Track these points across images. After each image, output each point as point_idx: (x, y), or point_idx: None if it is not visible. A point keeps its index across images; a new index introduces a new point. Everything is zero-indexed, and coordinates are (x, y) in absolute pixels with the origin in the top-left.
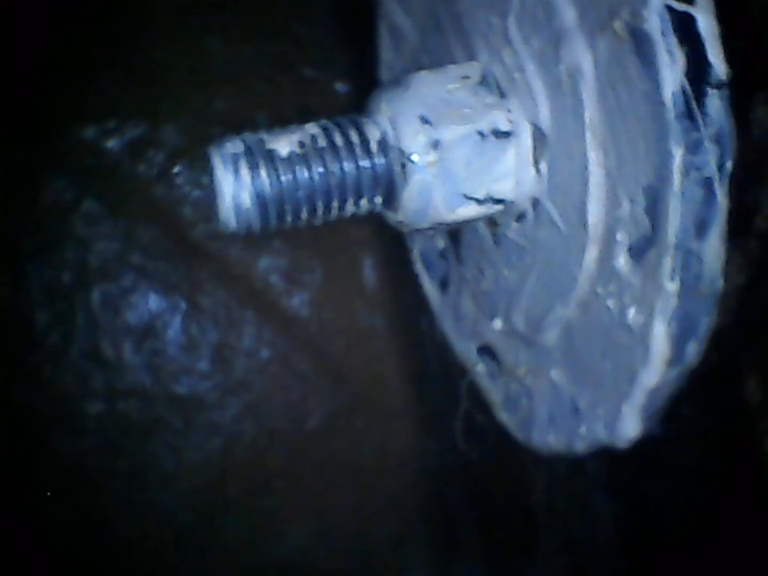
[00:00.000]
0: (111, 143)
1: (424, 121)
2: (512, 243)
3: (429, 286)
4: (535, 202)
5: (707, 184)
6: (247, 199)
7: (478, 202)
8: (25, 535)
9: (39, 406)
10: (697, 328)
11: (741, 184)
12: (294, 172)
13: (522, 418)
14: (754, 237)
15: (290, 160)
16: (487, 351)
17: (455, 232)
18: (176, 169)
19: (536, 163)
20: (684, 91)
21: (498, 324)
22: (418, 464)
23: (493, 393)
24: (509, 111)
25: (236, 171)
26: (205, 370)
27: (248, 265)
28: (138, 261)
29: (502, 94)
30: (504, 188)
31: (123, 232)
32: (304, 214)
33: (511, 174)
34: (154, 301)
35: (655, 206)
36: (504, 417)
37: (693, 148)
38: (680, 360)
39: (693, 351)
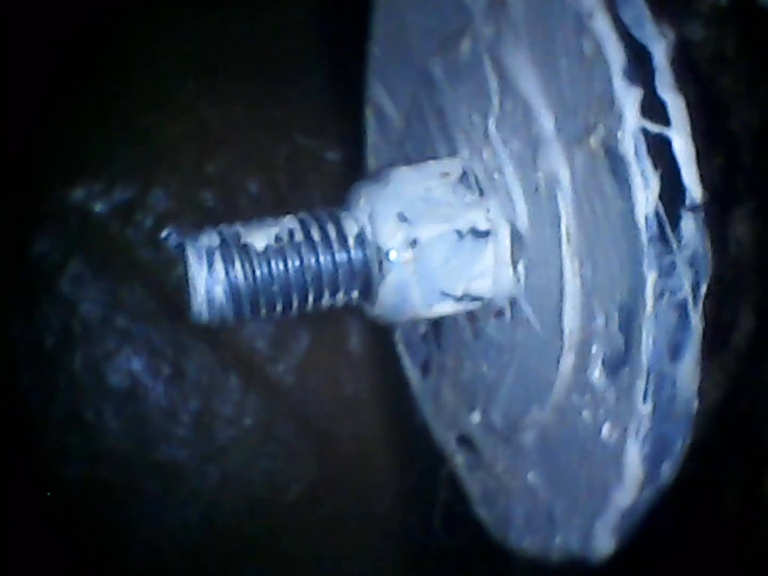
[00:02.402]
0: (99, 205)
1: (402, 218)
2: (491, 339)
3: (410, 369)
4: (513, 302)
5: (681, 307)
6: (220, 294)
7: (456, 299)
8: None
9: (17, 466)
10: (671, 448)
11: (719, 302)
12: (269, 266)
13: (498, 516)
14: (732, 354)
15: (266, 254)
16: (466, 442)
17: (437, 319)
18: (164, 233)
19: (514, 263)
20: (657, 214)
21: (476, 417)
22: (399, 540)
23: (472, 486)
24: (488, 210)
25: (210, 265)
26: (186, 437)
27: (234, 331)
28: (122, 324)
29: (482, 193)
30: (482, 286)
31: (108, 295)
32: (279, 308)
33: (489, 273)
34: (137, 365)
35: (628, 325)
36: (481, 512)
37: (667, 271)
38: (654, 480)
39: (668, 471)
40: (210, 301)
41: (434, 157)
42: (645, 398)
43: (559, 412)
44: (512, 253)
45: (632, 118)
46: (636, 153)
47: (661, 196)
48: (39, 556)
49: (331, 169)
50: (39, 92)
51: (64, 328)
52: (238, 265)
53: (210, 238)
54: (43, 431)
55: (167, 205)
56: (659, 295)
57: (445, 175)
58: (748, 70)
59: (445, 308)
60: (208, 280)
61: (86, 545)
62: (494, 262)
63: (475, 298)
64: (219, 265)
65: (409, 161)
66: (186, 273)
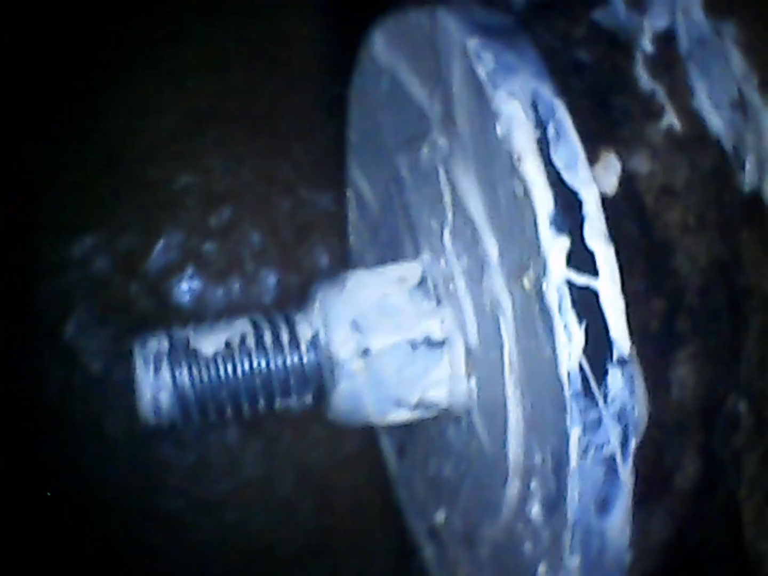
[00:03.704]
0: (102, 257)
1: (355, 326)
2: (451, 443)
3: (387, 450)
4: (468, 413)
5: (608, 462)
6: (167, 399)
7: (411, 408)
8: None
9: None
10: None
11: (660, 446)
12: (218, 371)
13: None
14: (676, 495)
15: (215, 360)
16: (435, 536)
17: None
18: (167, 285)
19: (468, 375)
20: (582, 370)
21: (441, 516)
22: None
23: None
24: (443, 320)
25: (157, 370)
26: (183, 488)
27: None
28: (121, 377)
29: (439, 301)
30: (437, 396)
31: (110, 348)
32: (229, 412)
33: (445, 382)
34: (135, 418)
35: (558, 473)
36: None
37: (591, 426)
38: None
39: None
40: (156, 405)
41: (402, 252)
42: (572, 551)
43: (508, 535)
44: (467, 365)
45: (557, 269)
46: (560, 306)
47: (586, 351)
48: None
49: (336, 223)
50: (42, 142)
51: (65, 380)
52: (185, 370)
53: (159, 343)
54: (42, 478)
55: (171, 257)
56: (584, 451)
57: (403, 281)
58: (698, 203)
59: (401, 416)
60: (154, 385)
61: None
62: (450, 371)
63: (430, 407)
64: (165, 371)
65: (383, 248)
66: (133, 377)
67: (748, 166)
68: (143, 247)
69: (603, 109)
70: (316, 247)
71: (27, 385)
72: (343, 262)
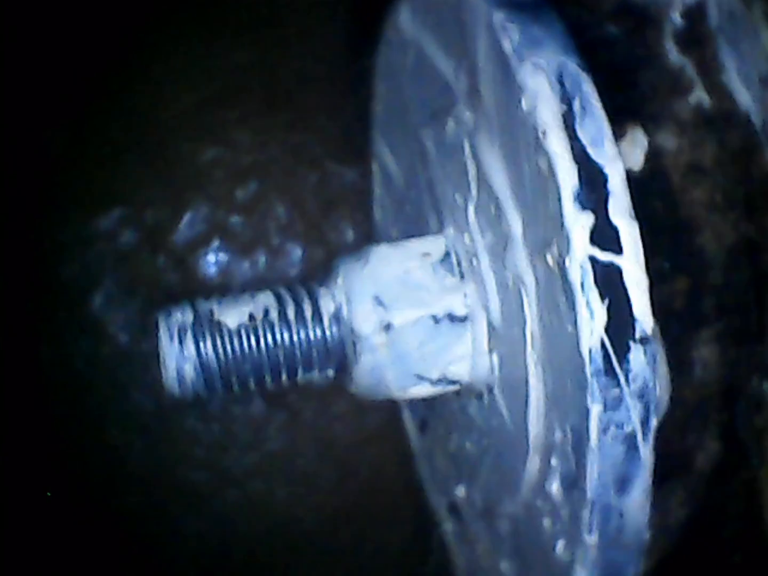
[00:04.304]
0: (130, 230)
1: (378, 301)
2: (472, 419)
3: (409, 425)
4: (490, 389)
5: (629, 440)
6: (191, 371)
7: (432, 382)
8: None
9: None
10: (622, 574)
11: (681, 426)
12: (241, 344)
13: None
14: (696, 475)
15: (238, 332)
16: (455, 511)
17: None
18: (193, 258)
19: (490, 351)
20: (603, 347)
21: (462, 491)
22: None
23: (458, 557)
24: (466, 296)
25: (181, 342)
26: (206, 460)
27: None
28: (147, 350)
29: (462, 276)
30: (459, 371)
31: (137, 320)
32: (252, 385)
33: (467, 358)
34: (161, 391)
35: (578, 450)
36: None
37: (612, 405)
38: None
39: None
40: (180, 377)
41: (426, 227)
42: (590, 529)
43: (527, 511)
44: (489, 341)
45: (581, 246)
46: (582, 283)
47: (608, 328)
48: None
49: (362, 197)
50: (68, 117)
51: (92, 355)
52: (209, 342)
53: (183, 315)
54: (69, 450)
55: (197, 230)
56: (604, 429)
57: (427, 255)
58: (725, 181)
59: (422, 391)
60: (179, 357)
61: (104, 563)
62: (472, 347)
63: (452, 382)
64: (190, 342)
65: (407, 223)
66: (157, 347)
67: None
68: (170, 220)
69: (631, 83)
70: (342, 221)
71: (54, 358)
72: (369, 236)
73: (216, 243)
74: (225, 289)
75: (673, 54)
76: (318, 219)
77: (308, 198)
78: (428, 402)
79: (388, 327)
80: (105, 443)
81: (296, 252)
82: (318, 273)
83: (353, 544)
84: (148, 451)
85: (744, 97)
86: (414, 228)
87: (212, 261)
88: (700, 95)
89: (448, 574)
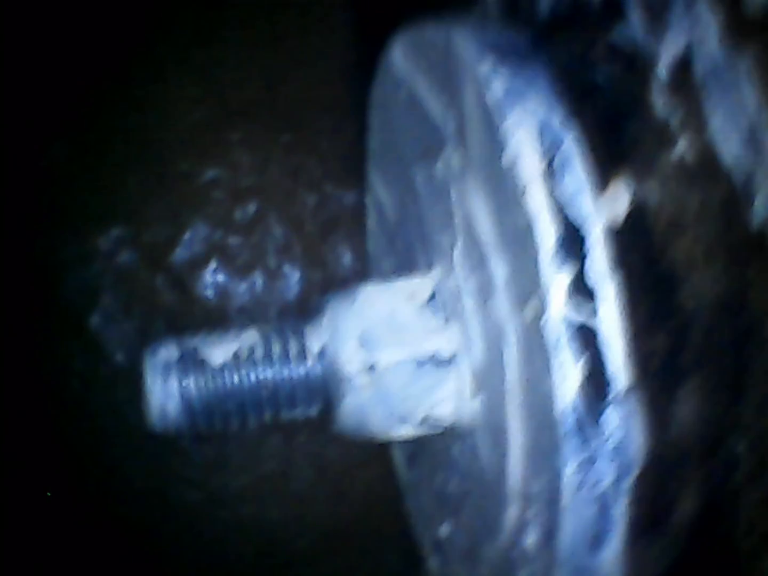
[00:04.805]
0: (129, 249)
1: (362, 342)
2: (456, 461)
3: (398, 458)
4: (473, 433)
5: (602, 499)
6: (174, 408)
7: (415, 425)
8: None
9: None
10: None
11: (658, 482)
12: (224, 383)
13: None
14: (672, 533)
15: (222, 370)
16: (439, 548)
17: None
18: (192, 278)
19: (473, 395)
20: (576, 408)
21: (446, 531)
22: None
23: None
24: (450, 339)
25: (165, 380)
26: (200, 481)
27: None
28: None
29: (447, 319)
30: (442, 413)
31: (134, 339)
32: (236, 422)
33: (450, 401)
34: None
35: (551, 508)
36: None
37: (585, 466)
38: None
39: None
40: (163, 413)
41: (415, 263)
42: None
43: (504, 560)
44: (472, 385)
45: (557, 306)
46: (558, 343)
47: (583, 388)
48: None
49: (360, 220)
50: (70, 135)
51: (90, 374)
52: (192, 380)
53: (168, 352)
54: (66, 467)
55: (196, 249)
56: (577, 488)
57: (413, 297)
58: (706, 237)
59: (405, 432)
60: (162, 394)
61: None
62: (455, 390)
63: (435, 425)
64: (174, 380)
65: (398, 256)
66: (143, 384)
67: (757, 202)
68: (168, 239)
69: (616, 134)
70: (340, 244)
71: (51, 375)
72: (366, 259)
73: (214, 263)
74: (222, 309)
75: (658, 106)
76: (316, 241)
77: (307, 220)
78: (417, 439)
79: (372, 367)
80: (101, 460)
81: (294, 274)
82: (315, 295)
83: (346, 567)
84: (144, 470)
85: (727, 152)
86: (405, 262)
87: (210, 281)
88: (683, 149)
89: None
